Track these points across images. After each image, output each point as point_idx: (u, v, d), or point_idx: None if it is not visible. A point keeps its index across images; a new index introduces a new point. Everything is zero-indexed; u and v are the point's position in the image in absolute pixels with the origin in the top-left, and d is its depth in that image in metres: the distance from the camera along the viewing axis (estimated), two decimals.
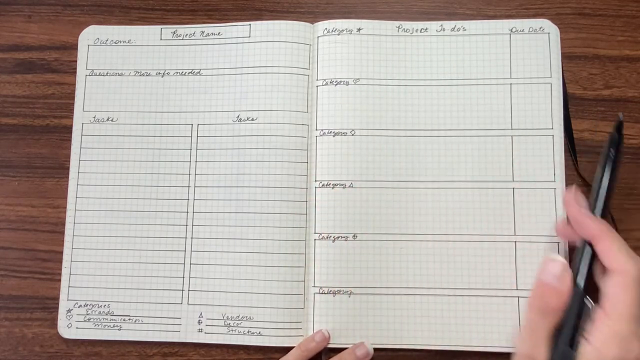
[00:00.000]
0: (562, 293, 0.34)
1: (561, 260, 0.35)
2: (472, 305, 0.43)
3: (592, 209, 0.38)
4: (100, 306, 0.45)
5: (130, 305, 0.45)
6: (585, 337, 0.33)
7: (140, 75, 0.48)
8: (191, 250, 0.45)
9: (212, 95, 0.47)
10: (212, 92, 0.47)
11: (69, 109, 0.48)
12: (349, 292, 0.44)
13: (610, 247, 0.34)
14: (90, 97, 0.48)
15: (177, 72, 0.48)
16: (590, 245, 0.36)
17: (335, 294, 0.44)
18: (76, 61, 0.49)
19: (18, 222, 0.47)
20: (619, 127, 0.39)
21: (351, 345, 0.43)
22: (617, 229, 0.44)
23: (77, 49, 0.49)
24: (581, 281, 0.36)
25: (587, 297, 0.35)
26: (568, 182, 0.44)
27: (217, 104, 0.47)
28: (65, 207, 0.46)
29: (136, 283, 0.45)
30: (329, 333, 0.43)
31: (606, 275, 0.34)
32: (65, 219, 0.46)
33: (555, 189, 0.44)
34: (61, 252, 0.46)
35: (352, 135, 0.45)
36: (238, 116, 0.46)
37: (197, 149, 0.46)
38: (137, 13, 0.50)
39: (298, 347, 0.43)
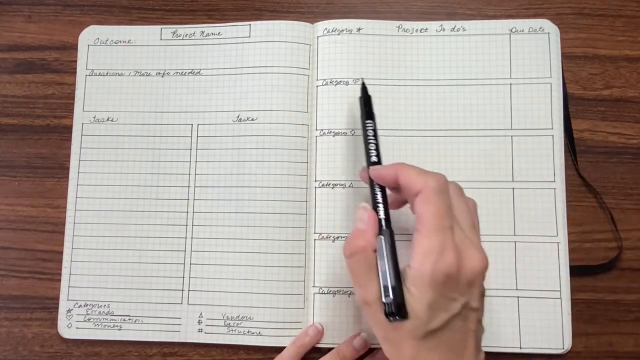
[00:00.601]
0: (365, 231, 0.35)
1: (365, 206, 0.37)
2: None
3: (372, 161, 0.38)
4: (100, 306, 0.45)
5: (130, 305, 0.45)
6: (407, 266, 0.33)
7: (140, 75, 0.48)
8: (191, 250, 0.45)
9: (212, 95, 0.47)
10: (212, 92, 0.47)
11: (69, 109, 0.48)
12: (348, 292, 0.44)
13: (408, 174, 0.34)
14: (90, 97, 0.48)
15: (177, 72, 0.48)
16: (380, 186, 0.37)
17: (335, 294, 0.44)
18: (76, 61, 0.49)
19: (18, 222, 0.47)
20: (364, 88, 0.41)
21: None
22: (616, 229, 0.44)
23: (77, 49, 0.49)
24: (382, 214, 0.36)
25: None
26: (568, 182, 0.44)
27: (217, 104, 0.47)
28: (65, 207, 0.46)
29: (136, 283, 0.45)
30: (322, 327, 0.43)
31: (414, 202, 0.34)
32: (65, 219, 0.46)
33: (555, 189, 0.44)
34: (61, 252, 0.46)
35: (352, 135, 0.45)
36: (238, 116, 0.46)
37: (197, 149, 0.46)
38: (137, 13, 0.50)
39: (292, 343, 0.43)
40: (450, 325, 0.32)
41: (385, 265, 0.34)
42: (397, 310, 0.32)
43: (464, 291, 0.33)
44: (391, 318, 0.32)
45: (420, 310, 0.32)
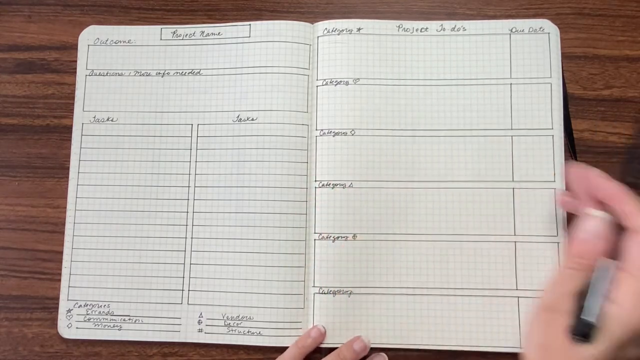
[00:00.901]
0: (596, 244, 0.34)
1: (599, 215, 0.35)
2: (472, 305, 0.43)
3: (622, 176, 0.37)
4: (100, 306, 0.45)
5: (130, 305, 0.45)
6: (610, 300, 0.32)
7: (140, 75, 0.48)
8: (191, 250, 0.45)
9: (212, 95, 0.47)
10: (212, 92, 0.47)
11: (69, 109, 0.48)
12: (348, 292, 0.44)
13: (629, 207, 0.33)
14: (90, 97, 0.48)
15: (177, 72, 0.48)
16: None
17: (335, 294, 0.44)
18: (76, 61, 0.49)
19: (18, 222, 0.47)
20: None
21: None
22: None
23: (77, 49, 0.49)
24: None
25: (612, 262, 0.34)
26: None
27: (217, 104, 0.47)
28: (65, 207, 0.46)
29: (136, 283, 0.45)
30: (324, 328, 0.43)
31: (626, 236, 0.33)
32: (65, 219, 0.46)
33: (555, 189, 0.44)
34: (61, 252, 0.46)
35: (352, 135, 0.45)
36: (238, 116, 0.46)
37: (197, 149, 0.46)
38: (137, 13, 0.50)
39: (294, 344, 0.43)
40: None
41: (602, 289, 0.33)
42: (591, 334, 0.32)
43: None
44: (577, 337, 0.32)
45: (609, 347, 0.31)
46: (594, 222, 0.35)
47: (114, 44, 0.48)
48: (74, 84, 0.48)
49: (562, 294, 0.34)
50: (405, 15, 0.48)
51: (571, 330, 0.33)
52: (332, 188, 0.45)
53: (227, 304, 0.44)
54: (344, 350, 0.42)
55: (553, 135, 0.44)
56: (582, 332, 0.32)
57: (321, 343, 0.43)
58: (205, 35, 0.48)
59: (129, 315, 0.45)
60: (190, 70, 0.47)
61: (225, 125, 0.46)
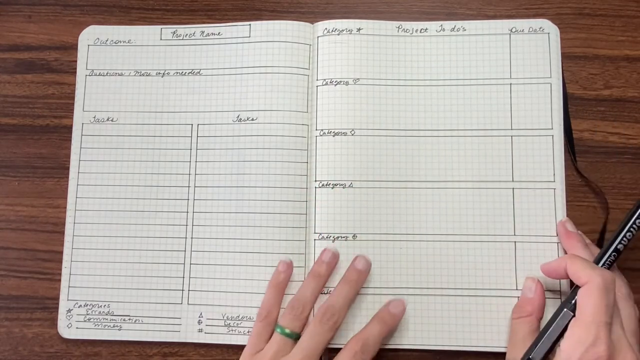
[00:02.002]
0: (533, 300, 0.41)
1: (533, 278, 0.42)
2: (472, 305, 0.43)
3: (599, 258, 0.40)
4: (100, 306, 0.45)
5: (130, 305, 0.45)
6: (558, 345, 0.36)
7: (140, 75, 0.48)
8: (191, 250, 0.45)
9: (212, 95, 0.47)
10: (212, 92, 0.47)
11: (69, 109, 0.48)
12: None
13: (575, 267, 0.37)
14: (90, 97, 0.48)
15: (177, 72, 0.48)
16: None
17: None
18: (76, 61, 0.49)
19: (18, 222, 0.47)
20: None
21: None
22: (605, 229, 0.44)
23: (77, 49, 0.49)
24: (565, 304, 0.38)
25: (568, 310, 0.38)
26: (568, 182, 0.44)
27: (217, 104, 0.47)
28: (65, 207, 0.46)
29: (136, 283, 0.45)
30: (290, 259, 0.44)
31: (579, 291, 0.37)
32: (65, 219, 0.46)
33: (555, 189, 0.44)
34: (61, 252, 0.46)
35: (352, 135, 0.45)
36: (238, 116, 0.46)
37: (197, 149, 0.46)
38: (137, 13, 0.50)
39: (269, 286, 0.43)
40: None
41: (553, 335, 0.37)
42: None
43: None
44: None
45: None
46: (529, 281, 0.42)
47: (114, 44, 0.48)
48: (74, 84, 0.48)
49: (517, 346, 0.39)
50: (405, 15, 0.48)
51: None
52: (332, 188, 0.45)
53: (227, 304, 0.44)
54: (349, 275, 0.43)
55: (553, 135, 0.44)
56: None
57: (291, 274, 0.44)
58: (205, 35, 0.48)
59: (129, 315, 0.45)
60: (190, 70, 0.47)
61: (225, 125, 0.46)
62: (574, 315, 0.37)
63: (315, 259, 0.44)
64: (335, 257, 0.43)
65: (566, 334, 0.36)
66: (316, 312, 0.42)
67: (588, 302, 0.35)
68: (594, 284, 0.36)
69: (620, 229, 0.40)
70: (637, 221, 0.40)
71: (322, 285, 0.43)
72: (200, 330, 0.44)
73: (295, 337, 0.41)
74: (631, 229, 0.39)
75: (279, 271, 0.43)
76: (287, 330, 0.41)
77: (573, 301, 0.37)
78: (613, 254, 0.39)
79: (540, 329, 0.39)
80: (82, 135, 0.47)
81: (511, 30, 0.46)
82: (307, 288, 0.43)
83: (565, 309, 0.38)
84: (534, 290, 0.41)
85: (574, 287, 0.38)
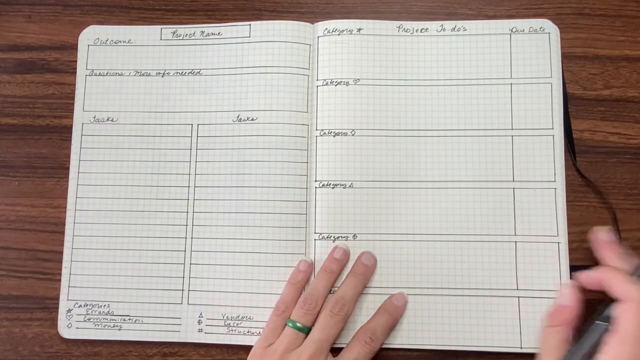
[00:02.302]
0: (569, 309, 0.40)
1: (571, 284, 0.41)
2: (472, 305, 0.43)
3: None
4: (100, 306, 0.45)
5: (130, 305, 0.45)
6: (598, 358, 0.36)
7: (140, 75, 0.48)
8: (191, 250, 0.45)
9: (212, 95, 0.47)
10: (212, 92, 0.47)
11: (69, 109, 0.48)
12: None
13: (614, 280, 0.37)
14: (90, 97, 0.48)
15: (177, 72, 0.48)
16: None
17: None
18: (76, 61, 0.49)
19: (18, 222, 0.47)
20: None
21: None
22: (617, 229, 0.44)
23: (77, 49, 0.49)
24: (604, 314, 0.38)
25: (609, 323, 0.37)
26: (568, 182, 0.44)
27: (217, 104, 0.47)
28: (65, 207, 0.46)
29: (136, 283, 0.45)
30: (311, 260, 0.44)
31: (618, 303, 0.37)
32: (65, 219, 0.46)
33: (555, 189, 0.44)
34: (61, 252, 0.46)
35: (352, 135, 0.45)
36: (238, 116, 0.46)
37: (197, 149, 0.46)
38: (137, 13, 0.50)
39: (289, 283, 0.43)
40: None
41: (587, 347, 0.37)
42: None
43: None
44: None
45: None
46: (567, 289, 0.41)
47: (114, 44, 0.48)
48: (74, 84, 0.48)
49: (549, 353, 0.39)
50: (405, 15, 0.48)
51: None
52: (332, 188, 0.45)
53: (227, 304, 0.44)
54: (356, 268, 0.43)
55: (553, 135, 0.44)
56: None
57: (311, 274, 0.44)
58: (205, 35, 0.48)
59: (129, 315, 0.45)
60: (190, 70, 0.47)
61: (225, 125, 0.46)
62: (607, 328, 0.37)
63: (316, 258, 0.44)
64: (346, 255, 0.43)
65: (605, 350, 0.36)
66: (326, 304, 0.42)
67: (629, 318, 0.35)
68: (635, 301, 0.36)
69: None
70: None
71: (333, 282, 0.43)
72: (200, 330, 0.44)
73: (307, 331, 0.41)
74: None
75: (299, 270, 0.44)
76: (299, 324, 0.41)
77: (605, 313, 0.37)
78: None
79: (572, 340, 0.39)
80: (82, 135, 0.47)
81: (511, 30, 0.46)
82: (319, 283, 0.43)
83: (597, 321, 0.38)
84: (569, 299, 0.40)
85: (607, 302, 0.38)
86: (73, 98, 0.48)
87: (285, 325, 0.42)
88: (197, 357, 0.45)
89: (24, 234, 0.47)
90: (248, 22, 0.48)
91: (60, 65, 0.49)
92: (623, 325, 0.35)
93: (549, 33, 0.46)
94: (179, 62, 0.48)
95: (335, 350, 0.43)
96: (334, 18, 0.47)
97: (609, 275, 0.38)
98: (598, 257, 0.41)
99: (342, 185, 0.45)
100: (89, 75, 0.48)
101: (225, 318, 0.44)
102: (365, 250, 0.44)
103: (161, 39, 0.48)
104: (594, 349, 0.36)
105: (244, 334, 0.44)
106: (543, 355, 0.39)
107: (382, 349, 0.43)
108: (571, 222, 0.44)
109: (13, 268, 0.46)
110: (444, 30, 0.47)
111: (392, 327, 0.43)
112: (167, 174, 0.46)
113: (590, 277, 0.40)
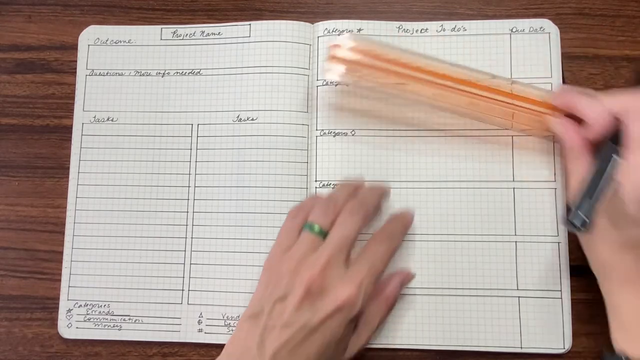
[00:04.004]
0: (592, 126, 0.38)
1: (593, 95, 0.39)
2: (472, 305, 0.43)
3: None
4: (101, 306, 0.45)
5: (131, 305, 0.45)
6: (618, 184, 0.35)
7: (140, 75, 0.48)
8: (191, 250, 0.45)
9: (212, 95, 0.47)
10: (212, 92, 0.47)
11: (69, 109, 0.48)
12: None
13: (617, 96, 0.36)
14: (90, 97, 0.48)
15: (177, 72, 0.48)
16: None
17: None
18: (76, 61, 0.49)
19: (18, 222, 0.47)
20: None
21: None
22: None
23: (77, 49, 0.49)
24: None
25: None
26: None
27: (217, 103, 0.47)
28: (65, 207, 0.46)
29: (136, 283, 0.45)
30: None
31: (622, 122, 0.36)
32: (65, 219, 0.46)
33: (555, 189, 0.44)
34: (61, 252, 0.46)
35: (352, 135, 0.45)
36: (238, 116, 0.46)
37: (197, 149, 0.46)
38: (137, 13, 0.50)
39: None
40: None
41: (599, 184, 0.36)
42: (581, 226, 0.35)
43: None
44: (570, 227, 0.35)
45: (622, 222, 0.34)
46: (591, 102, 0.38)
47: (114, 44, 0.48)
48: (74, 84, 0.48)
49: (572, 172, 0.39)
50: (406, 14, 0.48)
51: (566, 219, 0.36)
52: (333, 188, 0.45)
53: (228, 304, 0.44)
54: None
55: (554, 135, 0.44)
56: (575, 225, 0.35)
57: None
58: (206, 35, 0.48)
59: (129, 315, 0.45)
60: (191, 70, 0.47)
61: (225, 125, 0.46)
62: (617, 150, 0.36)
63: None
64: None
65: (621, 167, 0.35)
66: (344, 207, 0.39)
67: (638, 125, 0.34)
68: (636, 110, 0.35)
69: None
70: None
71: (352, 194, 0.41)
72: (200, 330, 0.44)
73: (325, 234, 0.38)
74: None
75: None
76: (316, 227, 0.38)
77: (614, 146, 0.36)
78: None
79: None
80: (82, 135, 0.47)
81: (511, 30, 0.46)
82: (340, 191, 0.41)
83: (609, 143, 0.36)
84: (597, 116, 0.37)
85: (604, 145, 0.37)
86: (73, 98, 0.48)
87: (301, 230, 0.39)
88: (197, 357, 0.45)
89: (24, 234, 0.47)
90: (248, 22, 0.48)
91: (60, 65, 0.49)
92: (632, 135, 0.34)
93: (549, 33, 0.46)
94: (179, 62, 0.48)
95: None
96: (334, 18, 0.47)
97: (608, 98, 0.37)
98: (561, 104, 0.41)
99: None
100: (89, 75, 0.48)
101: (225, 318, 0.44)
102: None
103: (161, 39, 0.48)
104: (611, 168, 0.36)
105: None
106: (571, 179, 0.39)
107: (382, 349, 0.43)
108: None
109: (13, 268, 0.46)
110: (444, 30, 0.47)
111: (407, 231, 0.42)
112: (167, 173, 0.46)
113: (561, 97, 0.40)
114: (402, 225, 0.42)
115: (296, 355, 0.34)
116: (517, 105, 0.42)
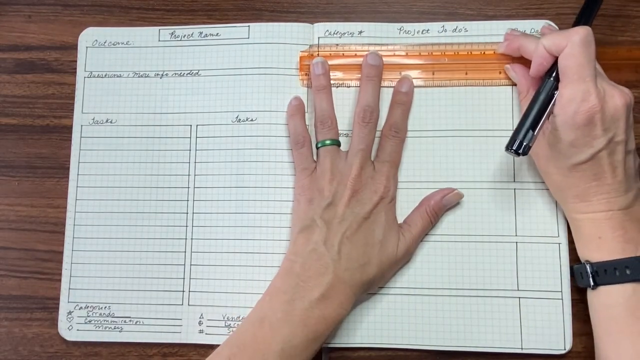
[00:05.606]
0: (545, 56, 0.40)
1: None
2: (473, 305, 0.43)
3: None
4: (101, 308, 0.45)
5: (131, 307, 0.45)
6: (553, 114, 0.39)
7: (138, 77, 0.48)
8: (191, 251, 0.45)
9: (211, 96, 0.47)
10: (210, 93, 0.47)
11: (68, 108, 0.48)
12: None
13: (553, 36, 0.39)
14: (89, 99, 0.48)
15: (176, 73, 0.47)
16: None
17: None
18: (76, 61, 0.48)
19: (18, 222, 0.47)
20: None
21: (351, 346, 0.43)
22: None
23: (76, 48, 0.49)
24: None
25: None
26: None
27: (216, 104, 0.47)
28: (65, 207, 0.46)
29: (136, 284, 0.45)
30: (298, 95, 0.46)
31: (559, 59, 0.38)
32: (65, 218, 0.46)
33: None
34: (61, 252, 0.46)
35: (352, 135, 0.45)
36: (237, 117, 0.46)
37: (196, 150, 0.46)
38: (137, 13, 0.49)
39: (290, 115, 0.45)
40: (596, 158, 0.37)
41: (534, 108, 0.39)
42: (517, 148, 0.38)
43: (610, 127, 0.37)
44: (510, 153, 0.38)
45: (563, 148, 0.38)
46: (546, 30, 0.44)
47: (112, 46, 0.48)
48: (73, 84, 0.48)
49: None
50: (406, 15, 0.48)
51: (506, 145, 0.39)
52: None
53: (228, 305, 0.44)
54: (367, 72, 0.44)
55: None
56: (513, 149, 0.38)
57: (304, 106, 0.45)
58: (204, 37, 0.48)
59: (129, 317, 0.45)
60: (189, 72, 0.47)
61: (225, 126, 0.46)
62: (554, 84, 0.39)
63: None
64: (325, 64, 0.45)
65: (555, 99, 0.38)
66: (354, 117, 0.44)
67: (570, 62, 0.37)
68: (574, 42, 0.37)
69: None
70: None
71: (330, 95, 0.44)
72: (201, 332, 0.44)
73: (338, 144, 0.43)
74: None
75: (291, 103, 0.45)
76: (328, 141, 0.43)
77: (554, 74, 0.39)
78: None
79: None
80: (81, 137, 0.47)
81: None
82: (321, 102, 0.44)
83: (547, 79, 0.39)
84: (543, 52, 0.40)
85: (544, 81, 0.39)
86: (73, 98, 0.48)
87: (312, 153, 0.44)
88: (197, 358, 0.45)
89: (24, 234, 0.47)
90: (247, 24, 0.47)
91: (60, 66, 0.49)
92: (565, 71, 0.37)
93: None
94: (177, 63, 0.48)
95: (336, 350, 0.43)
96: (334, 18, 0.47)
97: (545, 38, 0.39)
98: (513, 49, 0.43)
99: None
100: (88, 77, 0.48)
101: (225, 319, 0.44)
102: (368, 52, 0.45)
103: (159, 40, 0.48)
104: (549, 101, 0.39)
105: None
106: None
107: (382, 349, 0.43)
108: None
109: (13, 268, 0.46)
110: (445, 31, 0.46)
111: (408, 113, 0.45)
112: (166, 175, 0.46)
113: (509, 44, 0.43)
114: (402, 110, 0.45)
115: (355, 242, 0.40)
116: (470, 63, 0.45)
